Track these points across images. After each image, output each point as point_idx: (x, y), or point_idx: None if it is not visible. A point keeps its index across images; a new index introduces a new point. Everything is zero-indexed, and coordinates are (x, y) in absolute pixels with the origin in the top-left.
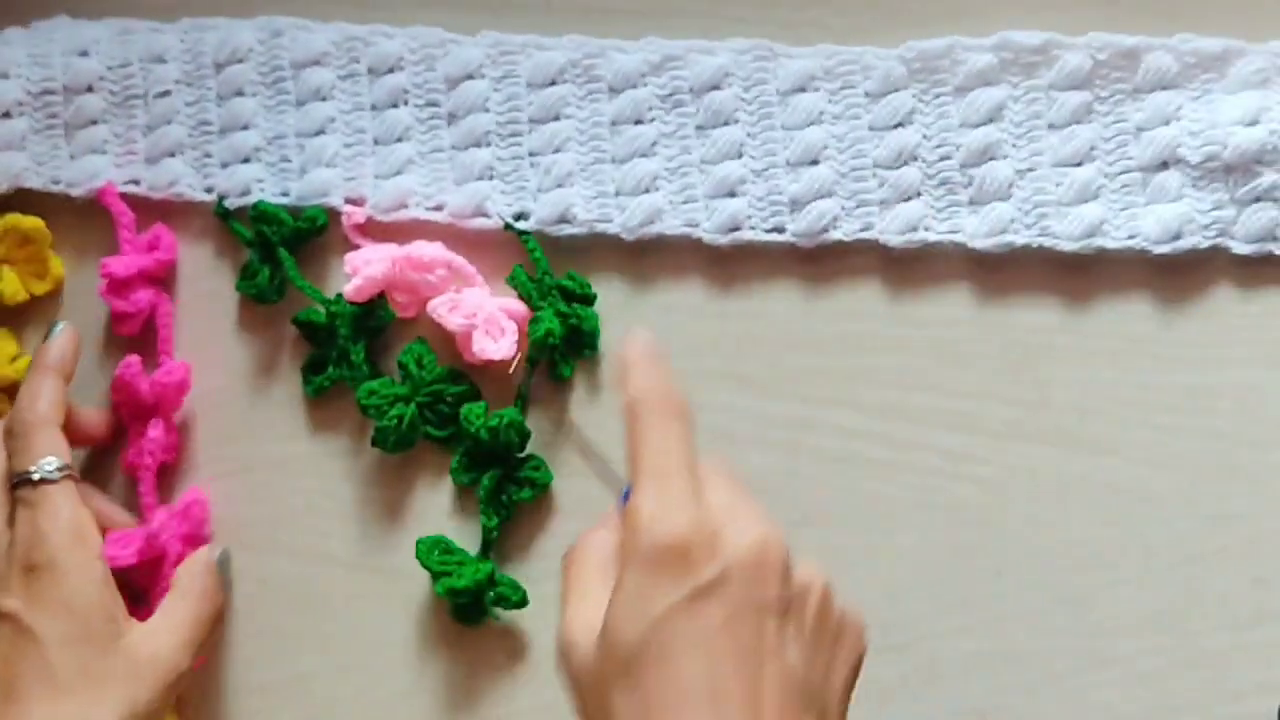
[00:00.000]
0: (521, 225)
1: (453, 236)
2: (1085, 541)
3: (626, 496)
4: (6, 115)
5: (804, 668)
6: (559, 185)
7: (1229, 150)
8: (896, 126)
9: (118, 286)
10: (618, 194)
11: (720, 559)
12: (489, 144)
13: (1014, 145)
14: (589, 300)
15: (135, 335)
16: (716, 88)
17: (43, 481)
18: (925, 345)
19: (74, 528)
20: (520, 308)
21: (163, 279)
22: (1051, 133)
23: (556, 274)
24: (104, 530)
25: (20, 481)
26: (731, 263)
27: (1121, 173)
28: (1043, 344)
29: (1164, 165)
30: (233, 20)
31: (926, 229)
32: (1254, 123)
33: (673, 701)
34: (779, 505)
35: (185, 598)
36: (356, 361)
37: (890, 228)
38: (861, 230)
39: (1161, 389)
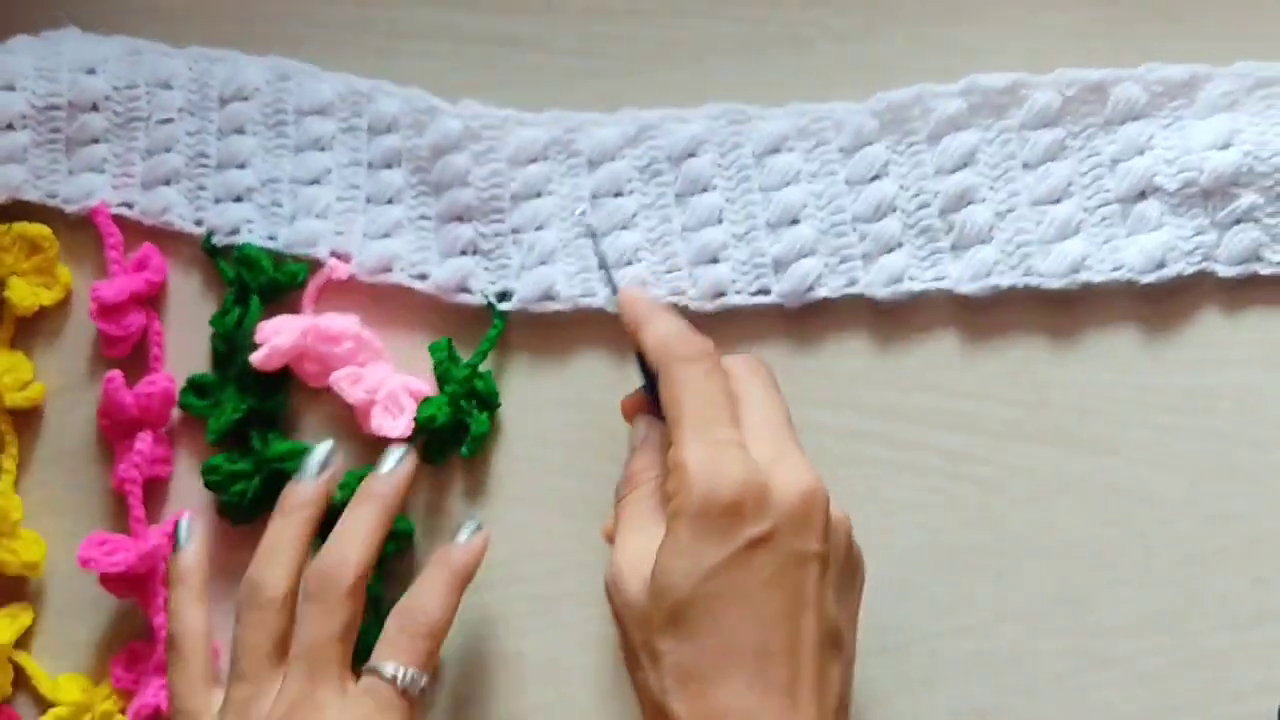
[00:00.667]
0: (504, 306)
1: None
2: (1085, 541)
3: (642, 367)
4: (9, 128)
5: (835, 610)
6: (542, 263)
7: (1205, 175)
8: (873, 179)
9: (108, 311)
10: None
11: (769, 513)
12: (470, 219)
13: (991, 188)
14: (490, 406)
15: (125, 356)
16: (692, 154)
17: (399, 689)
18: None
19: None
20: (424, 387)
21: (153, 298)
22: (1027, 172)
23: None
24: None
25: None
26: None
27: (1100, 206)
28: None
29: (1142, 195)
30: (242, 55)
31: (911, 279)
32: (1227, 145)
33: (719, 654)
34: None
35: None
36: (230, 415)
37: (875, 280)
38: (847, 286)
39: (1161, 389)
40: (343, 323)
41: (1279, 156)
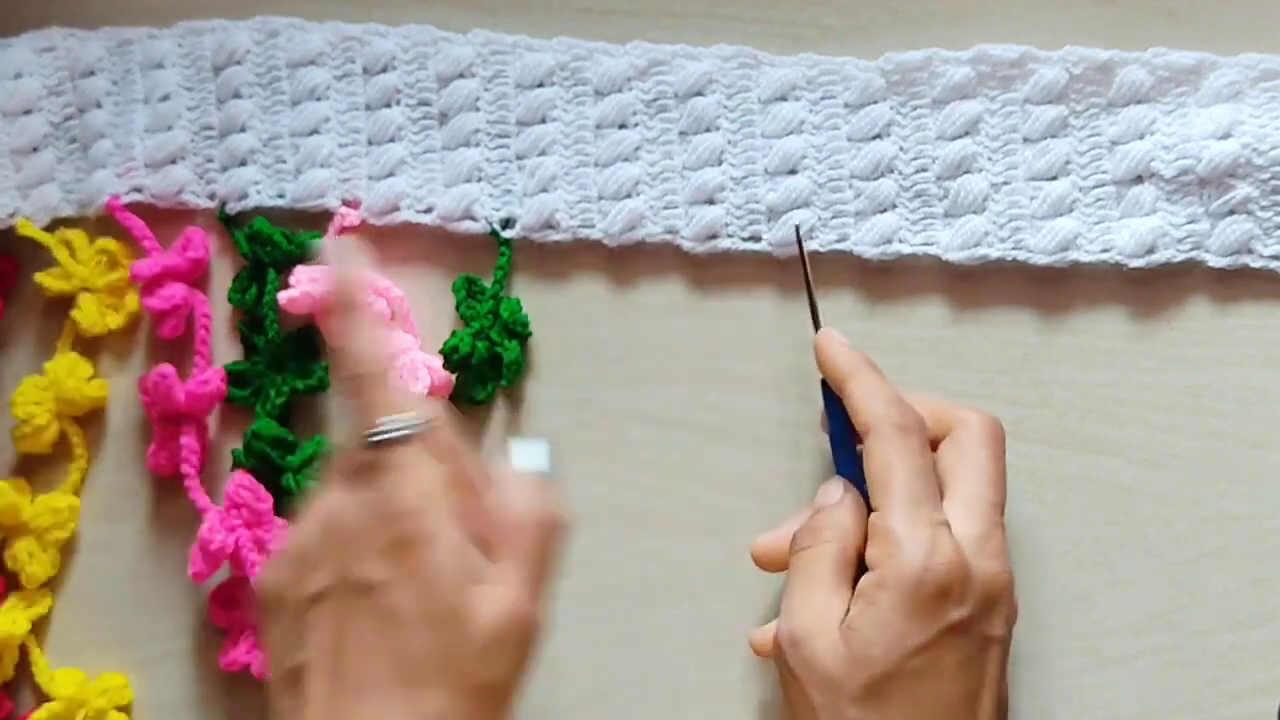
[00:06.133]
0: (508, 234)
1: (442, 238)
2: (1085, 541)
3: (827, 398)
4: (35, 150)
5: (1006, 686)
6: (543, 190)
7: (1203, 164)
8: (874, 138)
9: (149, 287)
10: (600, 198)
11: (970, 599)
12: (478, 144)
13: (989, 158)
14: (521, 335)
15: (180, 336)
16: (700, 94)
17: (399, 440)
18: (905, 353)
19: (433, 493)
20: (442, 373)
21: (197, 279)
22: (1026, 146)
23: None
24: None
25: (374, 441)
26: (709, 267)
27: (1096, 186)
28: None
29: (1138, 179)
30: (229, 22)
31: (901, 241)
32: (1227, 136)
33: None
34: (779, 505)
35: (524, 549)
36: (275, 400)
37: (865, 239)
38: (837, 241)
39: (1162, 389)
40: (383, 281)
41: (1278, 150)
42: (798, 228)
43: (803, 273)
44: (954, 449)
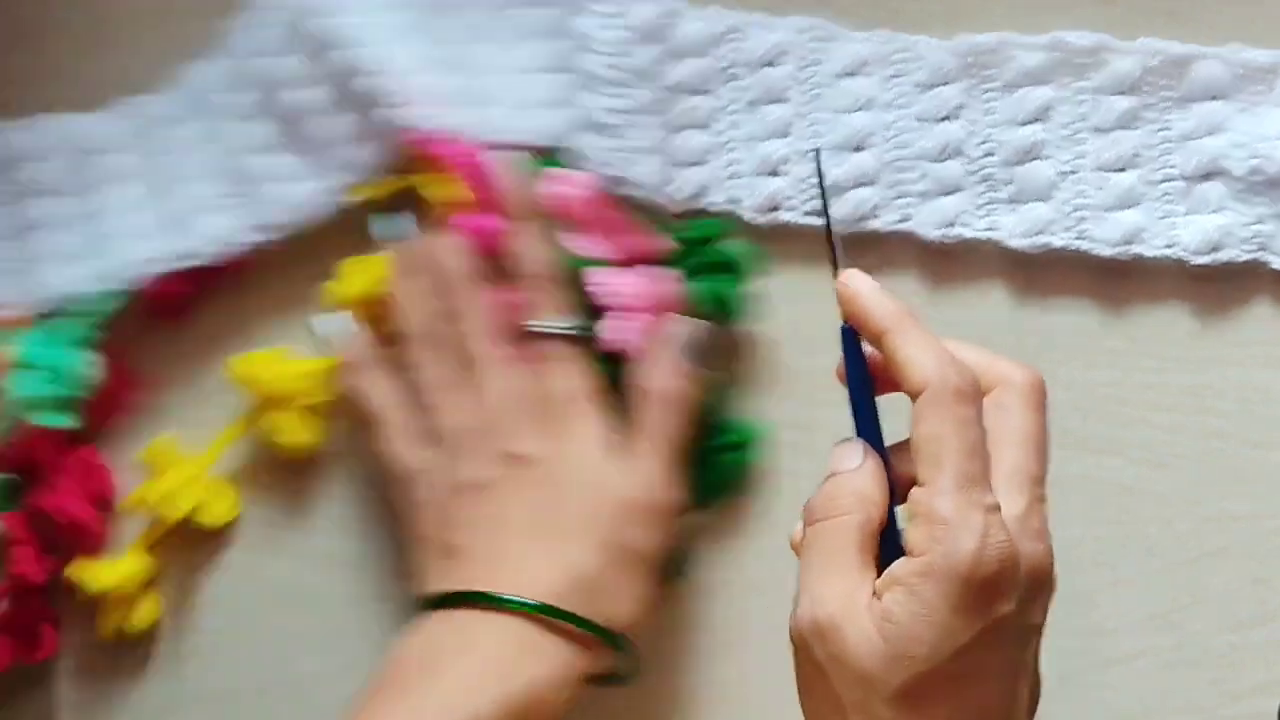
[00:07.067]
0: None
1: None
2: (1085, 541)
3: (847, 347)
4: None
5: (1039, 667)
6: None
7: (1275, 164)
8: (943, 120)
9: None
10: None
11: (1016, 589)
12: None
13: (1058, 146)
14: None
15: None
16: (771, 64)
17: (557, 335)
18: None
19: (582, 380)
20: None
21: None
22: (1096, 136)
23: None
24: None
25: (535, 330)
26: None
27: (1164, 181)
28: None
29: (1207, 176)
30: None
31: (964, 225)
32: None
33: None
34: (779, 505)
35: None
36: None
37: (928, 221)
38: (899, 221)
39: (1162, 389)
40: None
41: None
42: (818, 151)
43: (822, 206)
44: (996, 412)
